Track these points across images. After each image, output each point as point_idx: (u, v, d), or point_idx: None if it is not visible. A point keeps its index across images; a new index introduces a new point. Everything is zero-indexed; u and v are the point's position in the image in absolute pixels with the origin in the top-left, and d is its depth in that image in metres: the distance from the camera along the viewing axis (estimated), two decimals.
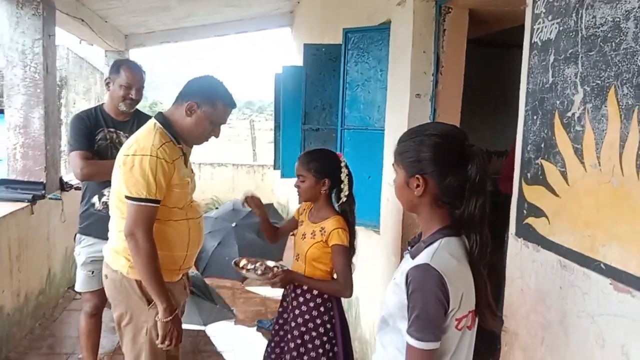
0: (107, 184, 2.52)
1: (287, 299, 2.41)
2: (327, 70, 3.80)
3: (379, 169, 3.12)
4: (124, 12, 6.04)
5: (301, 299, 2.33)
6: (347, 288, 2.28)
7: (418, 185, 1.34)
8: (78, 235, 2.99)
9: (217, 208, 5.69)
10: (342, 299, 2.42)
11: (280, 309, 2.47)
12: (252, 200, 2.51)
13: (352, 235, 2.33)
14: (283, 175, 4.56)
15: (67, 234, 4.17)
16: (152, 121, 2.16)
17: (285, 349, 2.35)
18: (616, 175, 1.28)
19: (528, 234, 1.67)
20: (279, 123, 4.71)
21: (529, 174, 1.67)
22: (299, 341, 2.30)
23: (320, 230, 2.28)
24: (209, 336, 3.96)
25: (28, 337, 3.82)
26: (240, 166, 9.84)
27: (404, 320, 1.30)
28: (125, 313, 2.13)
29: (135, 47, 7.60)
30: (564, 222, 1.49)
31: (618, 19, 1.29)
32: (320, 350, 2.29)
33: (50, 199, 4.15)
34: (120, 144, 2.77)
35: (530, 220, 1.66)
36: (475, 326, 1.40)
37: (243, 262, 2.47)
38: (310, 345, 2.30)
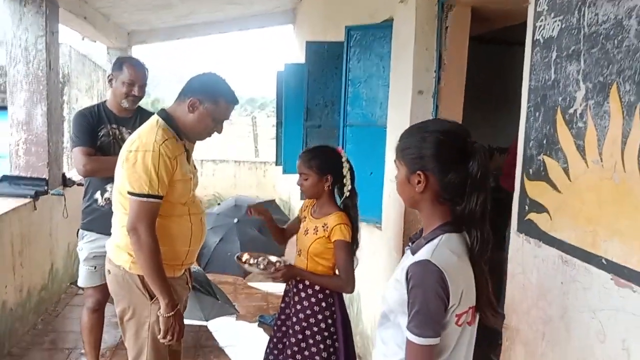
0: (110, 179, 2.54)
1: (290, 294, 2.42)
2: (329, 68, 3.81)
3: (381, 165, 3.13)
4: (127, 10, 6.04)
5: (303, 294, 2.34)
6: (349, 284, 2.29)
7: (419, 182, 1.35)
8: (81, 231, 3.01)
9: (219, 204, 5.71)
10: (344, 295, 2.43)
11: (283, 305, 2.48)
12: (255, 209, 2.50)
13: (355, 229, 2.33)
14: (285, 172, 4.57)
15: (70, 229, 4.19)
16: (154, 117, 2.17)
17: (287, 343, 2.36)
18: (618, 171, 1.28)
19: (530, 230, 1.68)
20: (281, 120, 4.71)
21: (531, 170, 1.68)
22: (300, 336, 2.32)
23: (323, 226, 2.29)
24: (210, 331, 3.98)
25: (30, 332, 3.84)
26: (242, 163, 9.86)
27: (404, 315, 1.30)
28: (127, 308, 2.15)
29: (138, 44, 7.60)
30: (566, 217, 1.49)
31: (620, 17, 1.29)
32: (321, 346, 2.30)
33: (53, 194, 4.16)
34: (123, 140, 2.78)
35: (532, 216, 1.66)
36: (476, 322, 1.41)
37: (245, 256, 2.48)
38: (311, 341, 2.31)
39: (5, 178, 4.00)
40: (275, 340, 2.46)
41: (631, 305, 1.25)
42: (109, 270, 2.19)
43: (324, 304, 2.32)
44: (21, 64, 4.11)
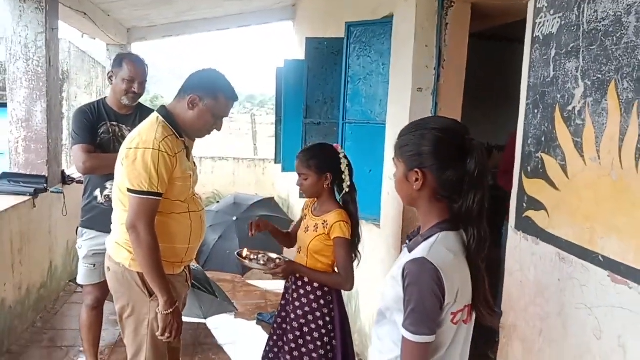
0: (110, 177, 2.54)
1: (289, 292, 2.43)
2: (329, 64, 3.80)
3: (380, 162, 3.13)
4: (126, 6, 6.04)
5: (302, 291, 2.34)
6: (348, 281, 2.30)
7: (417, 179, 1.34)
8: (80, 229, 3.01)
9: (218, 202, 5.71)
10: (343, 292, 2.43)
11: (283, 302, 2.48)
12: (256, 226, 2.49)
13: (355, 224, 2.34)
14: (284, 170, 4.57)
15: (69, 227, 4.19)
16: (154, 115, 2.17)
17: (285, 340, 2.37)
18: (615, 168, 1.29)
19: (528, 227, 1.68)
20: (280, 117, 4.71)
21: (529, 168, 1.68)
22: (297, 333, 2.32)
23: (323, 223, 2.30)
24: (209, 329, 3.98)
25: (30, 330, 3.84)
26: (241, 160, 9.86)
27: (401, 313, 1.30)
28: (127, 305, 2.15)
29: (137, 40, 7.59)
30: (564, 215, 1.50)
31: (619, 14, 1.29)
32: (319, 343, 2.31)
33: (52, 192, 4.16)
34: (123, 137, 2.78)
35: (530, 213, 1.67)
36: (473, 320, 1.41)
37: (245, 252, 2.48)
38: (308, 338, 2.31)
39: (5, 175, 3.99)
40: (275, 337, 2.46)
41: (627, 302, 1.25)
42: (108, 268, 2.19)
43: (322, 302, 2.33)
44: (21, 61, 4.10)
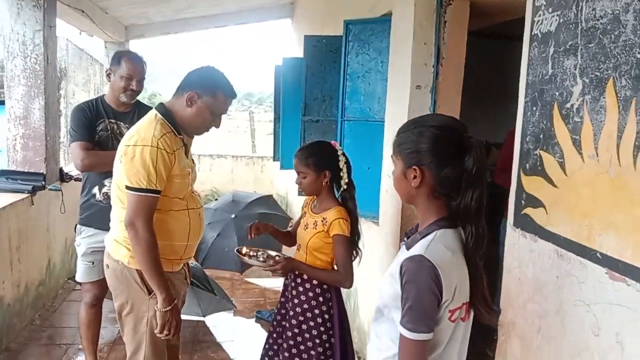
0: (108, 174, 2.54)
1: (288, 289, 2.43)
2: (328, 62, 3.80)
3: (378, 160, 3.13)
4: (124, 3, 6.03)
5: (300, 289, 2.35)
6: (347, 278, 2.30)
7: (415, 177, 1.34)
8: (78, 226, 3.00)
9: (216, 199, 5.71)
10: (342, 290, 2.44)
11: (282, 299, 2.48)
12: (255, 229, 2.49)
13: (354, 221, 2.34)
14: (283, 167, 4.57)
15: (67, 225, 4.18)
16: (153, 112, 2.17)
17: (284, 337, 2.37)
18: (613, 165, 1.29)
19: (526, 224, 1.68)
20: (279, 115, 4.71)
21: (527, 165, 1.68)
22: (296, 330, 2.32)
23: (322, 221, 2.30)
24: (208, 327, 3.98)
25: (28, 327, 3.84)
26: (239, 158, 9.85)
27: (398, 310, 1.30)
28: (126, 303, 2.15)
29: (135, 38, 7.59)
30: (562, 212, 1.50)
31: (617, 12, 1.30)
32: (317, 341, 2.31)
33: (50, 190, 4.16)
34: (121, 134, 2.77)
35: (528, 210, 1.67)
36: (470, 318, 1.41)
37: (245, 249, 2.48)
38: (307, 335, 2.32)
39: (3, 173, 3.99)
40: (274, 335, 2.47)
41: (625, 299, 1.26)
42: (107, 265, 2.19)
43: (321, 299, 2.33)
44: (19, 58, 4.10)
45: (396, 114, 2.88)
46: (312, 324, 2.32)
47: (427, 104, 2.76)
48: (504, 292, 1.83)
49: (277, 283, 4.93)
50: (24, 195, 3.81)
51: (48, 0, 4.15)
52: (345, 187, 2.35)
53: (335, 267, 2.34)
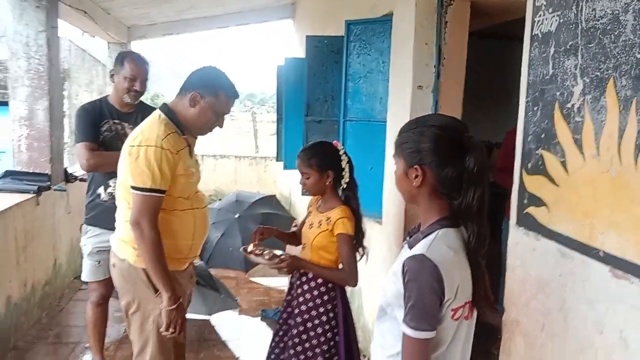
0: (113, 175, 2.55)
1: (294, 287, 2.45)
2: (330, 62, 3.82)
3: (381, 160, 3.15)
4: (127, 4, 6.05)
5: (306, 287, 2.36)
6: (352, 277, 2.32)
7: (417, 176, 1.35)
8: (84, 226, 3.03)
9: (220, 200, 5.73)
10: (346, 289, 2.45)
11: (288, 298, 2.50)
12: (259, 235, 2.50)
13: (358, 219, 2.36)
14: (286, 167, 4.58)
15: (72, 224, 4.21)
16: (156, 112, 2.19)
17: (289, 335, 2.39)
18: (615, 164, 1.30)
19: (528, 223, 1.70)
20: (281, 115, 4.72)
21: (529, 164, 1.70)
22: (301, 328, 2.34)
23: (327, 220, 2.32)
24: (213, 325, 4.00)
25: (35, 326, 3.87)
26: (242, 158, 9.88)
27: (401, 309, 1.31)
28: (132, 301, 2.17)
29: (138, 39, 7.60)
30: (564, 211, 1.52)
31: (617, 12, 1.31)
32: (322, 339, 2.33)
33: (56, 190, 4.18)
34: (125, 135, 2.79)
35: (530, 209, 1.68)
36: (474, 317, 1.42)
37: (251, 247, 2.50)
38: (312, 333, 2.33)
39: (8, 173, 4.02)
40: (280, 333, 2.48)
41: (628, 297, 1.27)
42: (113, 264, 2.21)
43: (325, 297, 2.35)
44: (22, 60, 4.12)
45: (398, 114, 2.89)
46: (317, 322, 2.33)
47: (428, 104, 2.77)
48: (507, 291, 1.84)
49: (281, 282, 4.95)
50: (30, 196, 3.83)
51: (50, 1, 4.17)
52: (344, 186, 2.36)
53: (341, 266, 2.36)
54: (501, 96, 4.09)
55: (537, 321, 1.65)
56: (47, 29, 4.13)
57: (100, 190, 2.94)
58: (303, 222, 2.55)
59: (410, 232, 1.50)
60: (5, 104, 4.38)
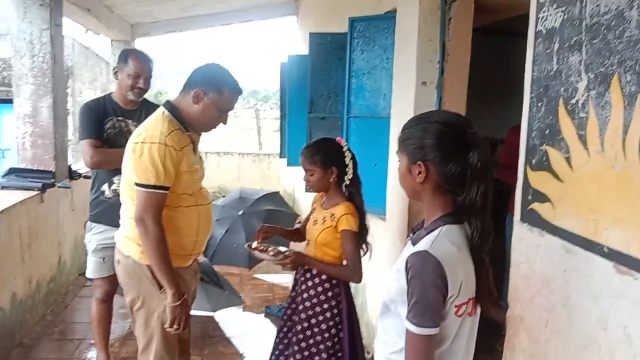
0: (117, 172, 2.57)
1: (298, 283, 2.45)
2: (333, 59, 3.81)
3: (384, 156, 3.15)
4: (130, 2, 6.05)
5: (310, 283, 2.37)
6: (356, 273, 2.32)
7: (420, 172, 1.35)
8: (88, 223, 3.04)
9: (223, 196, 5.74)
10: (351, 285, 2.46)
11: (293, 294, 2.51)
12: (262, 234, 2.51)
13: (362, 216, 2.36)
14: (289, 164, 4.59)
15: (77, 222, 4.23)
16: (160, 109, 2.20)
17: (293, 331, 2.40)
18: (619, 160, 1.30)
19: (533, 219, 1.70)
20: (285, 112, 4.73)
21: (533, 160, 1.69)
22: (305, 324, 2.35)
23: (331, 216, 2.32)
24: (217, 322, 4.02)
25: (40, 323, 3.89)
26: (246, 155, 9.89)
27: (405, 305, 1.31)
28: (137, 298, 2.18)
29: (141, 36, 7.62)
30: (568, 207, 1.51)
31: (622, 8, 1.30)
32: (326, 335, 2.33)
33: (60, 187, 4.20)
34: (129, 132, 2.80)
35: (535, 205, 1.68)
36: (477, 313, 1.42)
37: (255, 244, 2.51)
38: (316, 330, 2.34)
39: (13, 171, 4.03)
40: (285, 329, 2.49)
41: (632, 293, 1.27)
42: (118, 261, 2.22)
43: (329, 294, 2.35)
44: (26, 57, 4.13)
45: (402, 111, 2.89)
46: (321, 318, 2.34)
47: (432, 101, 2.76)
48: (512, 287, 1.84)
49: (285, 279, 4.96)
50: (34, 193, 3.85)
51: None
52: (348, 182, 2.37)
53: (345, 263, 2.36)
54: (505, 92, 4.08)
55: (541, 317, 1.65)
56: (51, 26, 4.14)
57: (105, 187, 2.95)
58: (307, 219, 2.55)
59: (414, 229, 1.50)
60: (10, 101, 4.39)
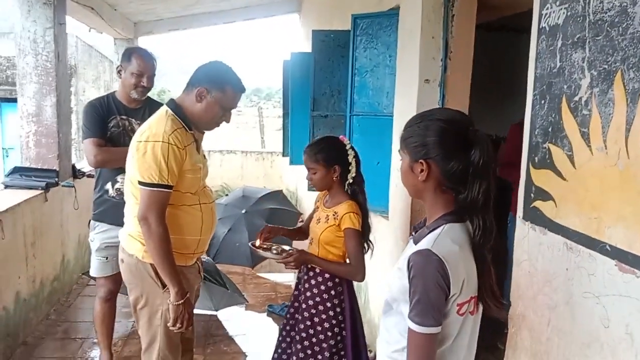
0: (121, 170, 2.57)
1: (301, 282, 2.46)
2: (336, 57, 3.81)
3: (387, 154, 3.14)
4: (133, 0, 6.06)
5: (313, 282, 2.37)
6: (359, 271, 2.32)
7: (422, 170, 1.35)
8: (92, 222, 3.04)
9: (226, 195, 5.75)
10: (353, 284, 2.46)
11: (296, 292, 2.51)
12: (265, 235, 2.51)
13: (365, 214, 2.36)
14: (292, 162, 4.59)
15: (80, 220, 4.24)
16: (163, 108, 2.20)
17: (296, 329, 2.40)
18: (622, 158, 1.29)
19: (535, 217, 1.69)
20: (288, 110, 4.72)
21: (536, 158, 1.69)
22: (308, 323, 2.35)
23: (333, 215, 2.32)
24: (220, 321, 4.03)
25: (44, 322, 3.90)
26: (249, 153, 9.90)
27: (407, 304, 1.31)
28: (140, 296, 2.18)
29: (144, 34, 7.62)
30: (571, 204, 1.51)
31: (625, 4, 1.30)
32: (329, 333, 2.34)
33: (64, 186, 4.21)
34: (133, 131, 2.81)
35: (537, 203, 1.68)
36: (480, 312, 1.41)
37: (258, 242, 2.52)
38: (319, 328, 2.34)
39: (17, 170, 4.04)
40: (288, 327, 2.49)
41: (635, 291, 1.26)
42: (122, 259, 2.23)
43: (332, 292, 2.35)
44: (30, 56, 4.14)
45: (405, 109, 2.89)
46: (323, 317, 2.34)
47: (435, 98, 2.75)
48: (514, 285, 1.84)
49: (288, 277, 4.96)
50: (38, 192, 3.86)
51: None
52: (351, 180, 2.37)
53: (348, 261, 2.36)
54: (508, 89, 4.07)
55: (543, 315, 1.65)
56: (55, 25, 4.15)
57: (108, 186, 2.96)
58: (310, 217, 2.55)
59: (416, 227, 1.50)
60: (14, 100, 4.41)
